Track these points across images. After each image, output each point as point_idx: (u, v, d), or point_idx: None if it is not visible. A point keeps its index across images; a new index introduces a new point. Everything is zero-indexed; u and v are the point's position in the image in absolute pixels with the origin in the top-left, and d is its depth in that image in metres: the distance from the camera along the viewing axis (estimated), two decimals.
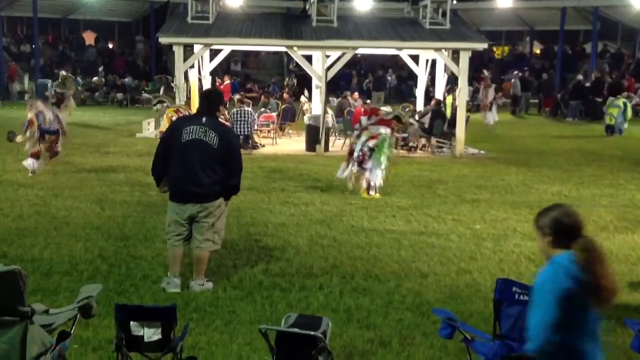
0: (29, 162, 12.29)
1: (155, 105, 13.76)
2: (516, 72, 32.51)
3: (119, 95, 29.93)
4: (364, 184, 11.35)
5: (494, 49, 41.38)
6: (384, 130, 11.28)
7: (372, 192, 11.27)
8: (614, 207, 10.90)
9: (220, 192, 6.45)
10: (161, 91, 13.55)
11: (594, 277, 3.12)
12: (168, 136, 6.60)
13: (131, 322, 4.28)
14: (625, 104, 21.99)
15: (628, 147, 18.74)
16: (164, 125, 13.56)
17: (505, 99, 29.80)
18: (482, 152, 17.11)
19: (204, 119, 6.40)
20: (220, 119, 7.05)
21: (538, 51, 42.24)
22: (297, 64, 22.48)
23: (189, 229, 6.51)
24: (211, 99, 6.70)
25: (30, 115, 12.29)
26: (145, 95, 12.69)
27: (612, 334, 5.80)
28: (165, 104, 13.58)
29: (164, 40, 16.60)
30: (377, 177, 11.22)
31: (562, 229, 3.32)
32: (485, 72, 25.25)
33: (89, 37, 39.90)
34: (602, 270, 3.15)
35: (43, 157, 12.50)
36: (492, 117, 22.73)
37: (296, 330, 4.25)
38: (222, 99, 7.10)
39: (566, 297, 3.14)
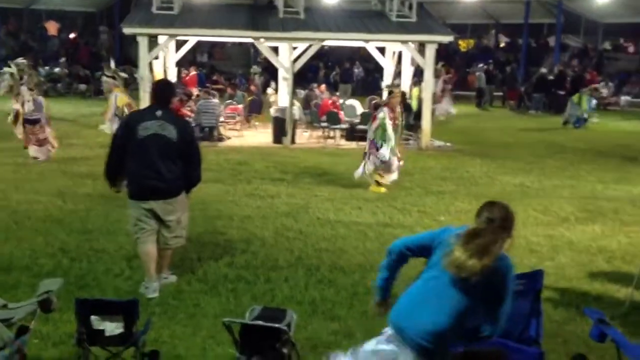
0: (33, 151, 12.75)
1: (103, 75, 12.87)
2: (481, 65, 32.79)
3: (82, 87, 29.46)
4: (378, 178, 11.29)
5: (460, 42, 41.68)
6: (381, 112, 11.17)
7: (384, 179, 11.29)
8: (575, 199, 11.08)
9: (182, 186, 6.31)
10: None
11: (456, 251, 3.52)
12: (123, 133, 6.27)
13: (92, 316, 4.24)
14: (580, 97, 22.30)
15: (590, 139, 19.06)
16: (111, 104, 12.74)
17: (469, 91, 30.12)
18: (447, 144, 17.24)
19: (158, 112, 6.16)
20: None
21: (503, 44, 42.66)
22: (264, 55, 22.37)
23: (156, 222, 6.30)
24: (164, 90, 6.50)
25: (16, 106, 12.38)
26: (105, 78, 11.83)
27: (572, 323, 5.92)
28: (114, 82, 12.70)
29: (128, 30, 16.36)
30: (384, 156, 11.08)
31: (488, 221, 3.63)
32: (439, 64, 25.17)
33: (52, 28, 39.15)
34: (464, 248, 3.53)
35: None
36: (445, 108, 22.89)
37: (260, 322, 4.25)
38: (174, 89, 6.85)
39: (439, 244, 3.66)
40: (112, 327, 4.23)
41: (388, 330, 3.68)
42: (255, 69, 32.73)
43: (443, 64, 24.84)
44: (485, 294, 3.54)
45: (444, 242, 3.61)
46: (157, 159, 6.08)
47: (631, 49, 38.06)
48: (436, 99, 23.23)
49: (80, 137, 16.61)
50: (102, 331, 4.24)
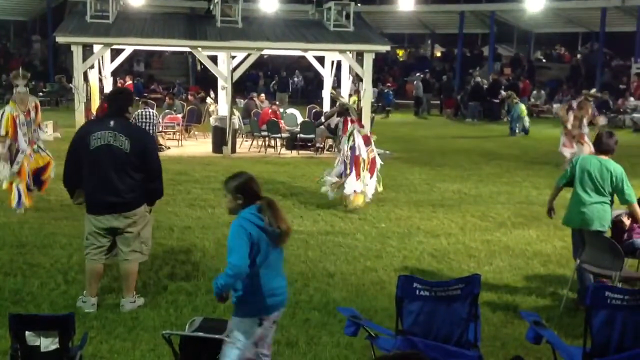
0: None
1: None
2: (418, 74, 33.33)
3: None
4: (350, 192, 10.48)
5: (397, 51, 42.32)
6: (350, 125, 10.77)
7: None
8: (510, 204, 11.35)
9: (141, 199, 6.03)
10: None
11: (275, 223, 4.22)
12: (76, 144, 6.03)
13: (26, 332, 4.11)
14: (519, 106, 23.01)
15: (524, 146, 19.57)
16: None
17: (407, 100, 30.60)
18: (387, 152, 17.39)
19: (111, 122, 5.93)
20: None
21: (439, 54, 43.51)
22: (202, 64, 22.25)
23: (110, 240, 6.09)
24: (118, 99, 6.28)
25: None
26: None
27: (509, 326, 6.05)
28: (20, 89, 9.76)
29: (61, 39, 16.01)
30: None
31: (251, 192, 4.35)
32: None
33: None
34: (280, 218, 4.26)
35: None
36: None
37: (200, 334, 4.20)
38: (131, 99, 6.58)
39: (252, 239, 4.16)
40: (48, 343, 4.10)
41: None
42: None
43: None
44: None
45: (259, 238, 4.20)
46: (110, 171, 5.86)
47: (562, 57, 39.34)
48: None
49: None
50: (37, 347, 4.12)
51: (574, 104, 14.74)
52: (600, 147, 6.67)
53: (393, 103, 30.27)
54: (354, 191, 10.40)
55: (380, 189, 10.81)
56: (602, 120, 14.40)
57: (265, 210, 4.26)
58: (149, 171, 6.00)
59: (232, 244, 4.15)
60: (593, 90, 17.92)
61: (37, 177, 9.48)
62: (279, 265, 4.40)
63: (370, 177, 10.53)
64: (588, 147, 13.07)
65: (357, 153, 10.40)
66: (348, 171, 10.42)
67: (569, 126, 14.24)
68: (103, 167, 5.86)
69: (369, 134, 10.92)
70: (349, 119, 10.92)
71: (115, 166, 5.86)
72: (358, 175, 10.35)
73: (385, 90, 30.28)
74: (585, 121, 14.27)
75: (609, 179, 6.47)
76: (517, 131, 22.64)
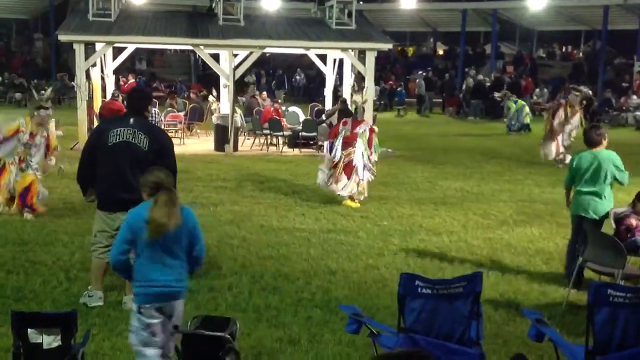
0: None
1: (37, 109, 8.95)
2: (421, 72, 33.31)
3: (18, 95, 28.64)
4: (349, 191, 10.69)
5: (408, 48, 42.33)
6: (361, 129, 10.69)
7: (355, 198, 10.69)
8: (512, 202, 11.34)
9: None
10: (47, 92, 9.14)
11: (151, 215, 4.35)
12: (94, 140, 6.11)
13: (29, 330, 4.12)
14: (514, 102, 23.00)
15: (525, 144, 19.53)
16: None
17: (410, 98, 30.60)
18: (389, 150, 17.40)
19: (131, 120, 6.00)
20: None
21: (441, 52, 43.46)
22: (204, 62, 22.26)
23: None
24: (138, 98, 6.32)
25: None
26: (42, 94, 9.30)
27: (511, 324, 6.04)
28: (47, 112, 9.22)
29: (63, 38, 16.02)
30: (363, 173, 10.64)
31: (157, 186, 4.54)
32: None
33: None
34: (160, 212, 4.35)
35: None
36: None
37: (202, 332, 4.20)
38: (150, 98, 6.57)
39: (133, 231, 4.42)
40: (50, 340, 4.12)
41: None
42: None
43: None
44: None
45: (138, 228, 4.40)
46: (126, 167, 5.88)
47: (565, 55, 39.28)
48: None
49: None
50: (40, 345, 4.13)
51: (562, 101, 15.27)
52: (587, 140, 7.12)
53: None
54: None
55: (360, 189, 10.71)
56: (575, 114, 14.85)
57: (155, 203, 4.42)
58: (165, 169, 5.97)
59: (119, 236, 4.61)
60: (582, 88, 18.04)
61: (24, 200, 9.28)
62: (165, 259, 4.46)
63: (348, 179, 10.56)
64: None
65: (334, 156, 10.61)
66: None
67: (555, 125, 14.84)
68: (120, 163, 5.89)
69: (368, 129, 10.78)
70: (349, 120, 10.93)
71: (132, 163, 5.88)
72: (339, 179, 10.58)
73: (398, 89, 30.38)
74: (572, 116, 14.65)
75: (602, 168, 6.89)
76: (513, 129, 22.55)
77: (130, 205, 5.80)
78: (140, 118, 6.11)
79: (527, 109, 23.31)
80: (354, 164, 10.55)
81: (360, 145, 10.57)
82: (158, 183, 4.57)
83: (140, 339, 4.40)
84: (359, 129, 10.61)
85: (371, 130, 10.75)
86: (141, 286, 4.43)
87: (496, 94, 27.41)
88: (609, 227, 7.03)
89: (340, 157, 10.56)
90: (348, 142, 10.60)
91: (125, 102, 6.71)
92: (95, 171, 6.02)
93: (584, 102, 15.70)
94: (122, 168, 5.90)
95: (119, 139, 5.91)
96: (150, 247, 4.41)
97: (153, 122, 16.02)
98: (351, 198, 10.73)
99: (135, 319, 4.44)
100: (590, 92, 19.13)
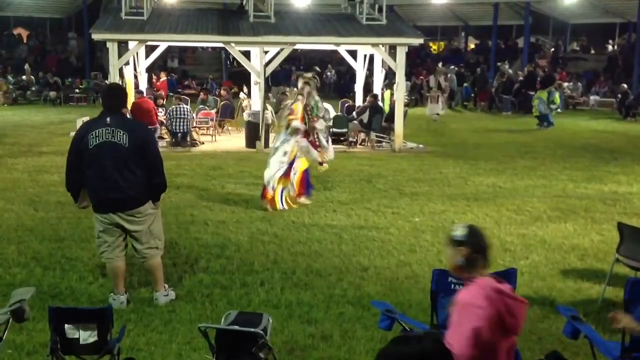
0: None
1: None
2: (452, 66, 33.05)
3: (52, 94, 29.10)
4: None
5: (431, 44, 41.99)
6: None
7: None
8: (547, 198, 11.20)
9: (143, 197, 5.96)
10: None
11: None
12: (76, 145, 5.95)
13: (66, 325, 4.18)
14: (550, 92, 22.52)
15: (559, 139, 19.29)
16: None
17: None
18: (420, 146, 17.33)
19: (108, 119, 5.86)
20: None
21: (473, 46, 43.06)
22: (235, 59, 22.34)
23: (122, 234, 6.08)
24: (113, 96, 6.17)
25: None
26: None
27: (546, 321, 5.98)
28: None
29: (97, 36, 16.23)
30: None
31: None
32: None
33: (21, 34, 38.73)
34: None
35: None
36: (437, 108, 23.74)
37: (236, 327, 4.23)
38: (126, 94, 6.48)
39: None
40: (86, 336, 4.18)
41: None
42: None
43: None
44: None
45: None
46: (112, 168, 5.81)
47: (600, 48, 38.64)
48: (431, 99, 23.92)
49: (50, 145, 16.41)
50: (77, 340, 4.19)
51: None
52: None
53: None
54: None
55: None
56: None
57: None
58: (151, 165, 5.92)
59: None
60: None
61: None
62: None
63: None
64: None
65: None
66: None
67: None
68: (104, 164, 5.81)
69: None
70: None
71: (116, 162, 5.80)
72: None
73: (465, 85, 30.36)
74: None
75: None
76: (546, 123, 22.15)
77: (121, 204, 5.90)
78: (118, 115, 5.98)
79: (557, 97, 22.71)
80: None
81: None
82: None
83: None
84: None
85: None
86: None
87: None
88: None
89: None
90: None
91: (101, 100, 6.63)
92: (83, 176, 5.93)
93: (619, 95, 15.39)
94: (107, 169, 5.81)
95: (99, 140, 5.80)
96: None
97: (184, 119, 16.18)
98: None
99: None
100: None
